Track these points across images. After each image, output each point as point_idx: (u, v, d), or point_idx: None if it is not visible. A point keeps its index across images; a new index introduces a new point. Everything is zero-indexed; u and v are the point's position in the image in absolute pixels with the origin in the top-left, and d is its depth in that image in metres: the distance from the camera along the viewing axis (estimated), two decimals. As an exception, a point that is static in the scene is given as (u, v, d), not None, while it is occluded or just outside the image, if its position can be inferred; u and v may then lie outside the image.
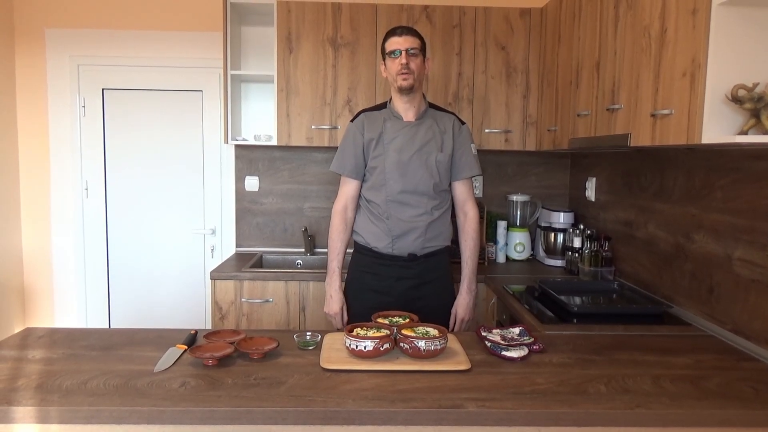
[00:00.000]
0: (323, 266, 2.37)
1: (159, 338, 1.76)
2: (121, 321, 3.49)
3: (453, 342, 1.74)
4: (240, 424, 1.31)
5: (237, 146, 3.39)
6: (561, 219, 3.16)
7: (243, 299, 2.81)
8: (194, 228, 3.48)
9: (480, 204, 3.01)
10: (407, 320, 1.80)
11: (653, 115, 1.78)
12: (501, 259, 3.27)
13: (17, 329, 3.28)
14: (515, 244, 3.28)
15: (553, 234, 3.15)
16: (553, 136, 2.80)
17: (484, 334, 1.79)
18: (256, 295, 2.82)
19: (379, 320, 1.79)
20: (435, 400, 1.36)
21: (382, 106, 2.34)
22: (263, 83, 3.32)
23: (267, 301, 2.82)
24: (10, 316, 3.31)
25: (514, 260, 3.29)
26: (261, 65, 3.29)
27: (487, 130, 3.07)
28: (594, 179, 3.03)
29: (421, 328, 1.69)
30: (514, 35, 3.03)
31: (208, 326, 3.32)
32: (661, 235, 2.32)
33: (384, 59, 2.25)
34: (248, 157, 3.41)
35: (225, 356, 1.56)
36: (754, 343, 1.76)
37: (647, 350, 1.73)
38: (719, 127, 1.53)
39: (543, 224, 3.25)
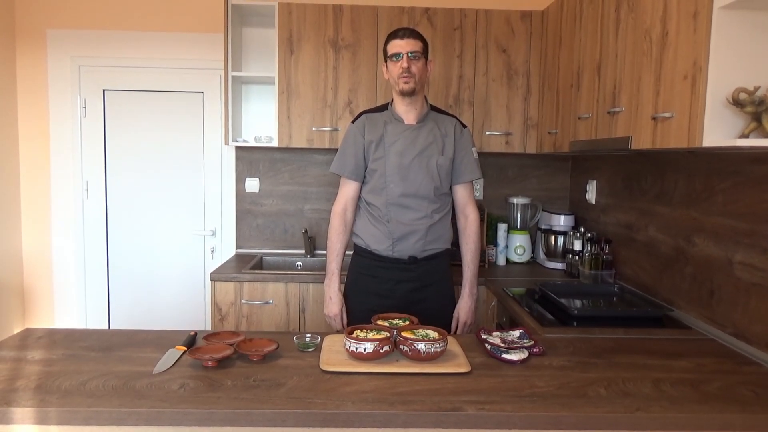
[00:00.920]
0: (323, 268, 2.36)
1: (158, 339, 1.75)
2: (121, 322, 3.48)
3: (453, 344, 1.73)
4: (239, 426, 1.31)
5: (237, 148, 3.39)
6: (561, 222, 3.16)
7: (243, 301, 2.81)
8: (194, 229, 3.48)
9: (480, 206, 3.01)
10: (407, 322, 1.80)
11: (654, 118, 1.78)
12: (501, 261, 3.27)
13: (17, 330, 3.28)
14: (515, 246, 3.28)
15: (553, 237, 3.15)
16: (553, 138, 2.80)
17: (484, 336, 1.78)
18: (255, 297, 2.81)
19: (379, 322, 1.79)
20: (434, 402, 1.36)
21: (384, 108, 2.34)
22: (264, 85, 3.33)
23: (267, 302, 2.82)
24: (9, 317, 3.31)
25: (515, 263, 3.29)
26: (262, 67, 3.29)
27: (487, 133, 3.07)
28: (594, 182, 3.03)
29: (420, 330, 1.69)
30: (515, 38, 3.03)
31: (208, 328, 3.31)
32: (662, 239, 2.32)
33: (386, 61, 2.25)
34: (249, 158, 3.42)
35: (224, 358, 1.56)
36: (754, 347, 1.75)
37: (647, 353, 1.73)
38: (720, 130, 1.53)
39: (543, 227, 3.24)
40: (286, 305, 2.82)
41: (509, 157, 3.43)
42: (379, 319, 1.83)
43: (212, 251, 3.49)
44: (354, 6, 2.99)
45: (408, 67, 2.15)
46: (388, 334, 1.64)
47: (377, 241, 2.26)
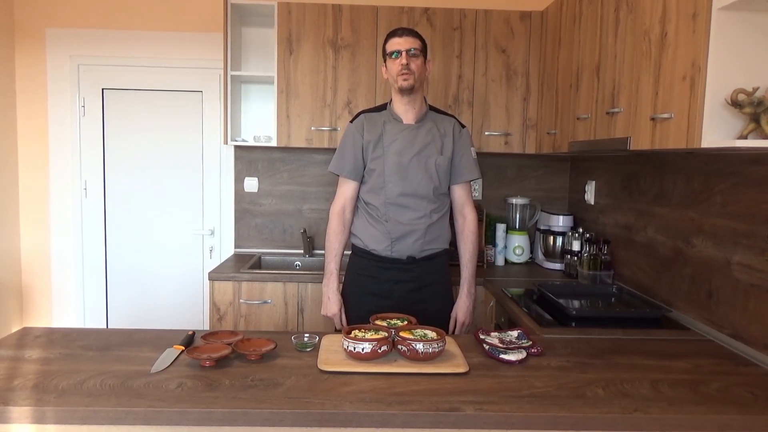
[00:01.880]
0: (322, 268, 2.36)
1: (156, 339, 1.75)
2: (119, 321, 3.48)
3: (451, 345, 1.73)
4: (237, 426, 1.31)
5: (236, 147, 3.39)
6: (560, 222, 3.16)
7: (241, 300, 2.81)
8: (193, 229, 3.47)
9: (479, 207, 3.01)
10: (405, 323, 1.80)
11: (653, 119, 1.78)
12: (500, 262, 3.27)
13: (15, 329, 3.28)
14: (514, 247, 3.28)
15: (552, 237, 3.15)
16: (552, 139, 2.80)
17: (482, 337, 1.78)
18: (254, 297, 2.81)
19: (377, 322, 1.79)
20: (432, 402, 1.35)
21: (382, 107, 2.33)
22: (263, 84, 3.32)
23: (265, 302, 2.81)
24: (8, 316, 3.31)
25: (513, 263, 3.29)
26: (261, 66, 3.29)
27: (486, 133, 3.07)
28: (593, 182, 3.03)
29: (419, 330, 1.69)
30: (515, 38, 3.03)
31: (206, 327, 3.31)
32: (661, 239, 2.32)
33: (385, 60, 2.25)
34: (248, 158, 3.41)
35: (222, 357, 1.56)
36: (752, 348, 1.75)
37: (646, 354, 1.73)
38: (719, 131, 1.53)
39: (542, 227, 3.24)
40: (285, 305, 2.82)
41: (508, 158, 3.43)
42: (377, 319, 1.83)
43: (211, 251, 3.48)
44: (353, 6, 2.98)
45: (407, 64, 2.15)
46: (386, 334, 1.64)
47: (375, 241, 2.26)
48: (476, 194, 3.40)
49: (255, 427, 1.31)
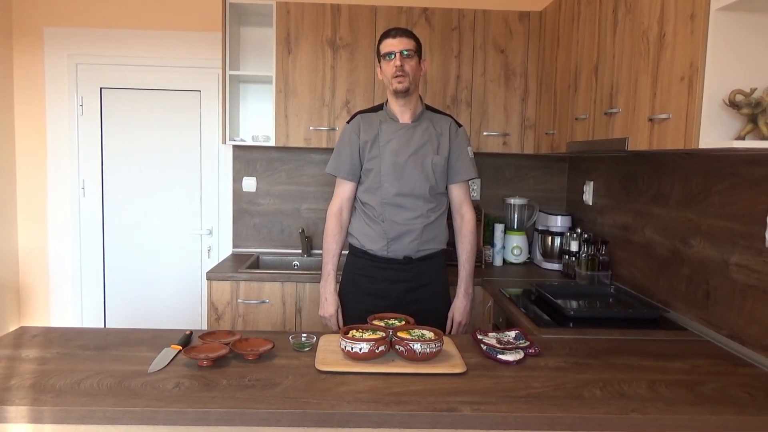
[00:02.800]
0: (320, 268, 2.36)
1: (154, 338, 1.75)
2: (117, 321, 3.48)
3: (448, 345, 1.73)
4: (234, 426, 1.31)
5: (235, 147, 3.38)
6: (558, 222, 3.16)
7: (239, 300, 2.81)
8: (191, 228, 3.47)
9: (477, 207, 3.01)
10: (403, 323, 1.80)
11: (651, 120, 1.78)
12: (498, 262, 3.27)
13: (12, 328, 3.27)
14: (512, 247, 3.28)
15: (550, 237, 3.15)
16: (551, 139, 2.80)
17: (479, 337, 1.78)
18: (252, 296, 2.81)
19: (375, 322, 1.79)
20: (430, 402, 1.35)
21: (379, 107, 2.33)
22: (262, 84, 3.32)
23: (263, 302, 2.81)
24: (5, 315, 3.30)
25: (511, 263, 3.29)
26: (259, 66, 3.28)
27: (485, 133, 3.07)
28: (592, 183, 3.03)
29: (416, 330, 1.69)
30: (513, 38, 3.04)
31: (204, 327, 3.31)
32: (658, 240, 2.32)
33: (379, 62, 2.25)
34: (246, 157, 3.41)
35: (220, 357, 1.56)
36: (750, 349, 1.76)
37: (643, 355, 1.73)
38: (717, 132, 1.53)
39: (540, 228, 3.25)
40: (283, 305, 2.82)
41: (506, 158, 3.43)
42: (374, 319, 1.83)
43: (209, 250, 3.48)
44: (352, 6, 2.98)
45: (401, 66, 2.15)
46: (384, 334, 1.64)
47: (372, 241, 2.26)
48: (474, 194, 3.40)
49: (252, 427, 1.31)
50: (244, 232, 3.45)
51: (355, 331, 1.67)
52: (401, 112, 2.26)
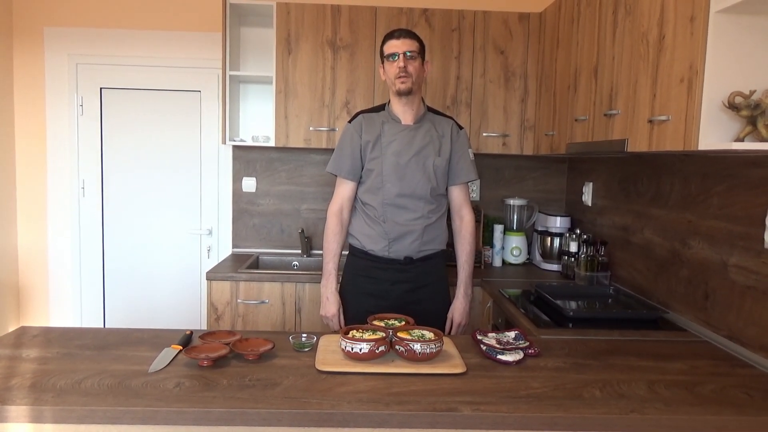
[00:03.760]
0: (320, 268, 2.36)
1: (154, 338, 1.75)
2: (117, 321, 3.48)
3: (448, 345, 1.74)
4: (234, 426, 1.31)
5: (235, 147, 3.39)
6: (558, 223, 3.17)
7: (239, 300, 2.81)
8: (191, 228, 3.47)
9: (477, 207, 3.02)
10: (403, 323, 1.80)
11: (650, 121, 1.79)
12: (497, 262, 3.28)
13: (12, 328, 3.27)
14: (512, 248, 3.29)
15: (549, 238, 3.16)
16: (550, 140, 2.80)
17: (479, 337, 1.79)
18: (252, 297, 2.81)
19: (375, 323, 1.79)
20: (430, 403, 1.36)
21: (380, 108, 2.34)
22: (262, 84, 3.32)
23: (263, 302, 2.81)
24: (4, 315, 3.30)
25: (511, 264, 3.30)
26: (260, 66, 3.29)
27: (484, 134, 3.08)
28: (591, 184, 3.04)
29: (416, 331, 1.69)
30: (513, 39, 3.04)
31: (204, 327, 3.31)
32: (657, 241, 2.33)
33: (382, 62, 2.25)
34: (246, 158, 3.41)
35: (220, 357, 1.56)
36: (748, 350, 1.76)
37: (642, 355, 1.73)
38: (716, 133, 1.53)
39: (540, 228, 3.25)
40: (282, 305, 2.82)
41: (506, 159, 3.44)
42: (375, 319, 1.83)
43: (208, 250, 3.48)
44: (352, 6, 2.99)
45: (405, 67, 2.15)
46: (384, 335, 1.64)
47: (373, 242, 2.26)
48: (474, 195, 3.40)
49: (252, 426, 1.31)
50: (244, 232, 3.45)
51: (355, 331, 1.67)
52: (403, 113, 2.27)
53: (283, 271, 2.94)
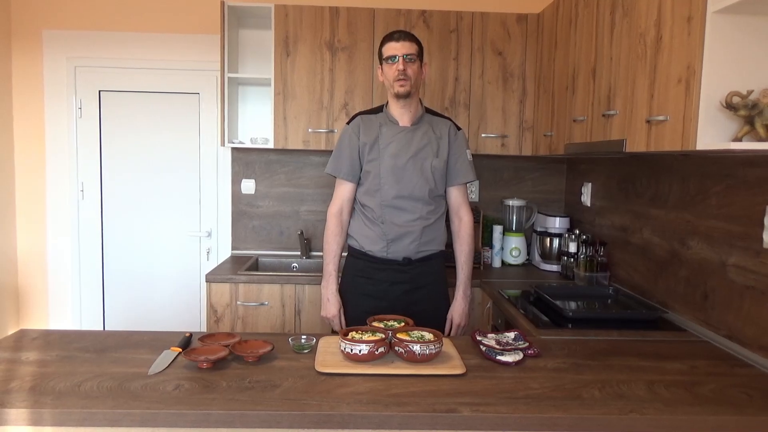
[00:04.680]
0: (319, 269, 2.36)
1: (153, 341, 1.75)
2: (116, 323, 3.48)
3: (448, 346, 1.74)
4: (234, 427, 1.31)
5: (233, 149, 3.39)
6: (557, 224, 3.17)
7: (238, 302, 2.81)
8: (190, 230, 3.47)
9: (476, 208, 3.02)
10: (402, 324, 1.80)
11: (648, 122, 1.79)
12: (497, 263, 3.28)
13: (11, 331, 3.27)
14: (511, 248, 3.29)
15: (548, 239, 3.16)
16: (549, 141, 2.81)
17: (479, 338, 1.79)
18: (251, 298, 2.81)
19: (374, 324, 1.79)
20: (429, 404, 1.36)
21: (378, 109, 2.34)
22: (260, 86, 3.32)
23: (262, 304, 2.81)
24: (4, 318, 3.30)
25: (510, 265, 3.30)
26: (258, 68, 3.29)
27: (483, 135, 3.08)
28: (590, 184, 3.04)
29: (416, 332, 1.69)
30: (511, 40, 3.04)
31: (203, 329, 3.31)
32: (656, 241, 2.33)
33: (381, 64, 2.25)
34: (245, 159, 3.41)
35: (220, 359, 1.56)
36: (748, 349, 1.76)
37: (642, 356, 1.73)
38: (714, 133, 1.54)
39: (539, 229, 3.25)
40: (282, 307, 2.82)
41: (505, 160, 3.44)
42: (374, 320, 1.83)
43: (208, 252, 3.48)
44: (350, 8, 2.99)
45: (404, 70, 2.16)
46: (384, 336, 1.64)
47: (371, 243, 2.26)
48: (473, 196, 3.41)
49: (252, 428, 1.31)
50: (243, 234, 3.45)
51: (354, 332, 1.67)
52: (401, 114, 2.27)
53: (282, 273, 2.94)
